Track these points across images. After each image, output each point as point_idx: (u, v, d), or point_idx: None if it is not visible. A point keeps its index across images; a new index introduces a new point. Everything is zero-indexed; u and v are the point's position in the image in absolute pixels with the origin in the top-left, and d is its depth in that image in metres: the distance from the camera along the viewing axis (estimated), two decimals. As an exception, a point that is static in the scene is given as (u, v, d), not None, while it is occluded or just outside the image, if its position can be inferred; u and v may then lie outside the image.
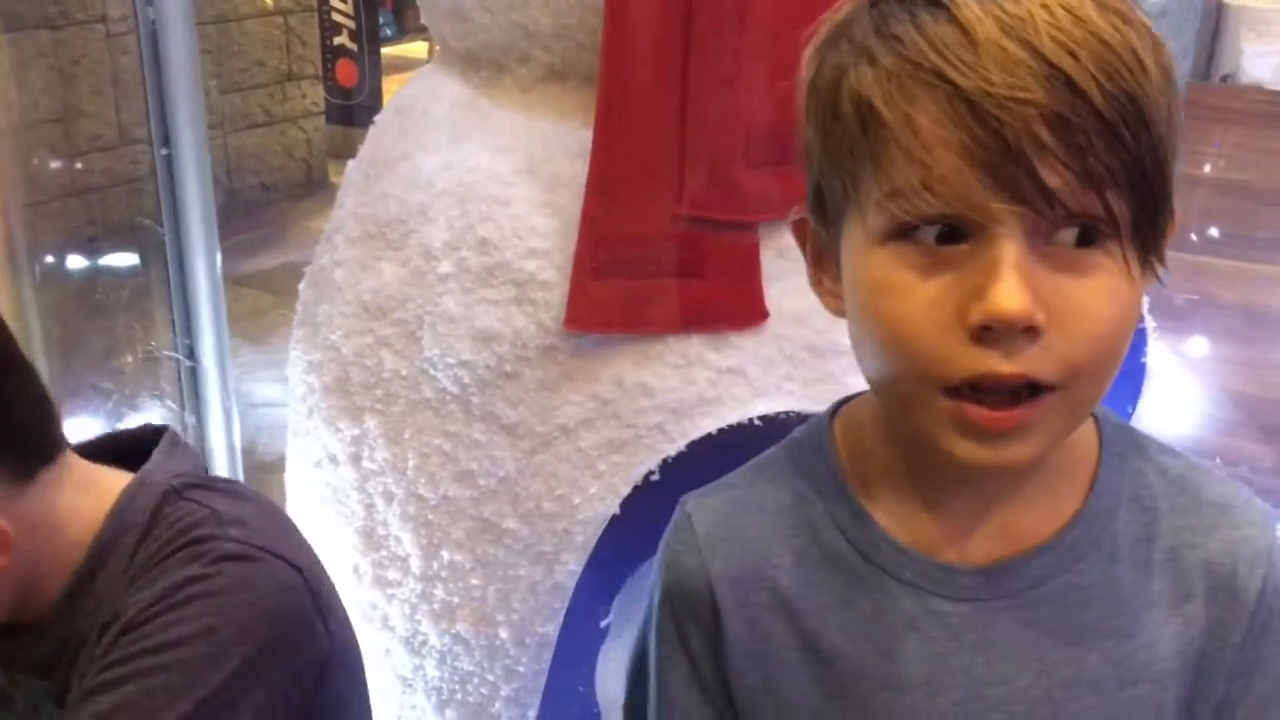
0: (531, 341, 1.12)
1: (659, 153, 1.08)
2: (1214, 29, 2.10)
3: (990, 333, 0.55)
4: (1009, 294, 0.54)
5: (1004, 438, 0.57)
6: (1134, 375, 1.65)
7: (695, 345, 1.10)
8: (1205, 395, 1.85)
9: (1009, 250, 0.54)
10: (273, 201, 4.36)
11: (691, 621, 0.69)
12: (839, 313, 0.64)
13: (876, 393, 0.64)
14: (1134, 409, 1.67)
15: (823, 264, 0.65)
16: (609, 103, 1.08)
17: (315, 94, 4.51)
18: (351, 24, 4.59)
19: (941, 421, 0.58)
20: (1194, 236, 1.84)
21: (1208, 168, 1.78)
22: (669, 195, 1.09)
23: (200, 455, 0.97)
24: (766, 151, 1.07)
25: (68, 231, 2.72)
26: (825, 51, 0.60)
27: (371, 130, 1.33)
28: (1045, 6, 0.54)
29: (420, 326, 1.17)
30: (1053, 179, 0.53)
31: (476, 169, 1.15)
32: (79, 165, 2.87)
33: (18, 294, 1.50)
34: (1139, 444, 0.68)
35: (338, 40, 4.66)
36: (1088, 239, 0.56)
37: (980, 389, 0.56)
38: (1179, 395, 1.85)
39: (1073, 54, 0.53)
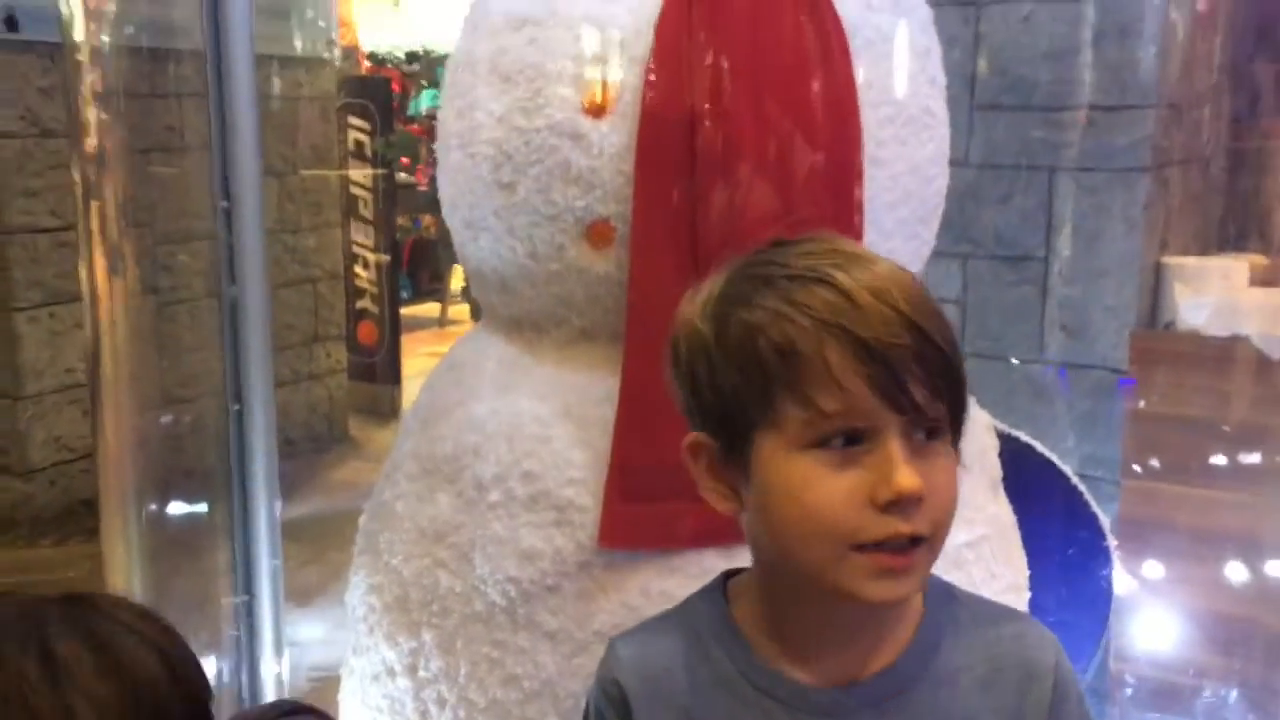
0: (570, 558, 1.32)
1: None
2: (1154, 283, 2.39)
3: (896, 505, 0.78)
4: (910, 477, 0.77)
5: (902, 575, 0.80)
6: (1100, 593, 1.83)
7: (710, 557, 1.29)
8: (1167, 614, 2.02)
9: (898, 447, 0.78)
10: (296, 455, 4.57)
11: None
12: (730, 512, 0.86)
13: (790, 563, 0.83)
14: (1105, 625, 1.84)
15: (716, 474, 0.86)
16: (634, 356, 1.31)
17: (339, 353, 4.82)
18: (374, 288, 4.97)
19: (856, 572, 0.79)
20: (1138, 468, 2.05)
21: (1143, 404, 2.02)
22: (685, 434, 1.30)
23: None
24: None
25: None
26: (720, 315, 0.83)
27: (426, 383, 1.56)
28: (893, 280, 0.80)
29: (473, 549, 1.37)
30: (918, 396, 0.78)
31: (521, 413, 1.37)
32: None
33: (127, 540, 1.69)
34: (952, 593, 0.91)
35: (360, 304, 5.02)
36: (932, 435, 0.80)
37: (882, 545, 0.79)
38: (1143, 614, 2.02)
39: (920, 312, 0.79)
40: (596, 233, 1.33)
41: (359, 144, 4.90)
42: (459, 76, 1.43)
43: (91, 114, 1.97)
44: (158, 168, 3.77)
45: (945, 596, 0.90)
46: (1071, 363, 2.40)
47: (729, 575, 0.93)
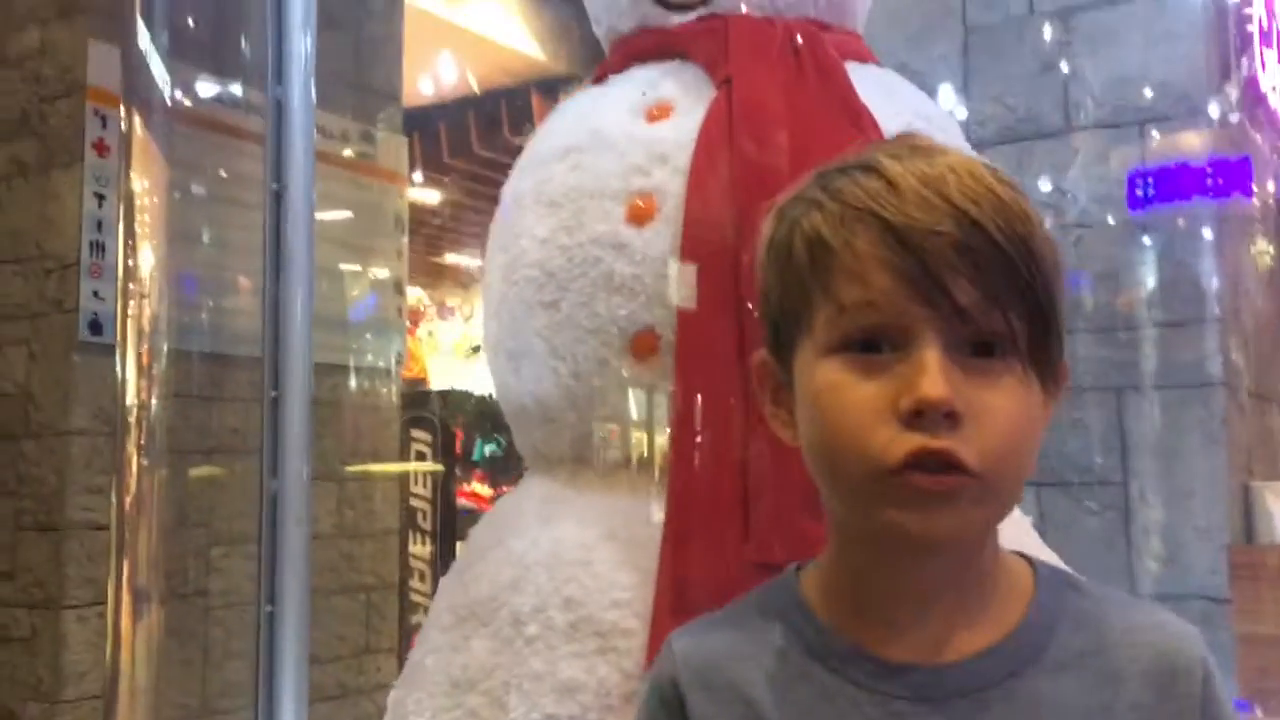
0: (615, 689, 1.17)
1: (726, 507, 1.20)
2: (1244, 507, 2.24)
3: (919, 417, 0.66)
4: (935, 384, 0.66)
5: (936, 504, 0.67)
6: None
7: (772, 681, 1.14)
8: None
9: (931, 353, 0.67)
10: (339, 778, 4.30)
11: None
12: (792, 441, 0.75)
13: (830, 489, 0.72)
14: None
15: (779, 399, 0.77)
16: (680, 464, 1.22)
17: (390, 668, 4.62)
18: (428, 601, 4.84)
19: (887, 498, 0.67)
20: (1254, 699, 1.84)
21: (1251, 627, 1.83)
22: (737, 542, 1.19)
23: None
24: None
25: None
26: (780, 216, 0.76)
27: (467, 540, 1.46)
28: (953, 169, 0.70)
29: (507, 692, 1.22)
30: (963, 297, 0.67)
31: (562, 540, 1.27)
32: None
33: None
34: (1072, 581, 0.77)
35: (415, 619, 4.87)
36: (989, 351, 0.68)
37: (916, 467, 0.66)
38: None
39: (975, 201, 0.68)
40: (641, 342, 1.28)
41: (420, 455, 4.95)
42: (503, 217, 1.44)
43: (135, 419, 1.96)
44: (215, 469, 3.83)
45: (1060, 582, 0.76)
46: (1167, 594, 2.22)
47: (800, 565, 0.81)
